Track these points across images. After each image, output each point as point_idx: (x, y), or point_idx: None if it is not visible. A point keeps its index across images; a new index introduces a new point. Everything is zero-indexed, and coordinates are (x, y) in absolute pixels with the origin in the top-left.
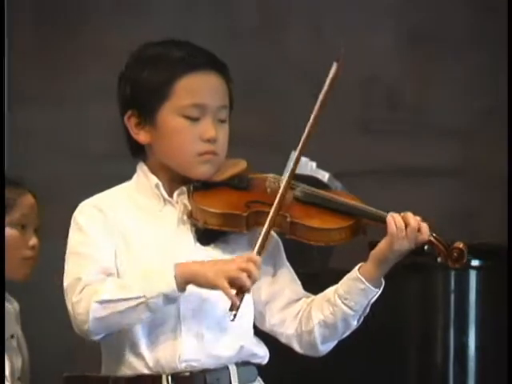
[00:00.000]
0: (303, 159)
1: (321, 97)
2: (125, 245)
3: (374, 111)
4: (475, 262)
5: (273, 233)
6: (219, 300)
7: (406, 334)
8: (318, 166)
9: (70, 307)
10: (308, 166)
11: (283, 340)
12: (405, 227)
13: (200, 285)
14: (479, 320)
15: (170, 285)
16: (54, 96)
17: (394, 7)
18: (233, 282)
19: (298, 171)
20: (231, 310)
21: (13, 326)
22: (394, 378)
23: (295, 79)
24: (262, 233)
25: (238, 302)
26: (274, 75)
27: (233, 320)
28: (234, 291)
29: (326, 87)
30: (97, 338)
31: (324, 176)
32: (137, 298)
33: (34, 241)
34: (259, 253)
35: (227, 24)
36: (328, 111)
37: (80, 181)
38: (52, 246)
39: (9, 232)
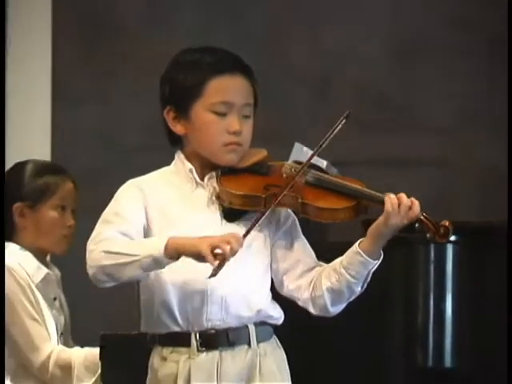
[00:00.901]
0: (304, 149)
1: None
2: (162, 218)
3: (366, 110)
4: (452, 238)
5: (289, 211)
6: (243, 270)
7: (393, 299)
8: (318, 155)
9: (87, 255)
10: (309, 154)
11: (300, 303)
12: (398, 205)
13: (188, 252)
14: (455, 287)
15: (159, 249)
16: (94, 96)
17: (385, 20)
18: (214, 250)
19: (301, 159)
20: (212, 273)
21: (55, 290)
22: (382, 335)
23: (297, 82)
24: (253, 221)
25: (216, 267)
26: (280, 79)
27: (209, 278)
28: (216, 262)
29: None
30: (102, 285)
31: (323, 163)
32: (133, 255)
33: (71, 221)
34: (245, 235)
35: (240, 35)
36: (326, 109)
37: (116, 169)
38: (91, 224)
39: (51, 213)
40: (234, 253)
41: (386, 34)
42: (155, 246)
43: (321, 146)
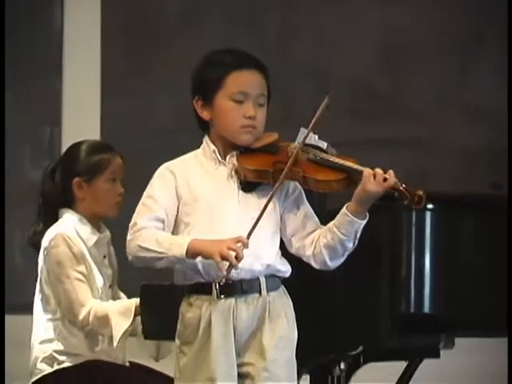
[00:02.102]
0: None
1: (318, 113)
2: (190, 192)
3: (358, 101)
4: (430, 206)
5: (296, 183)
6: (256, 232)
7: (381, 256)
8: (319, 138)
9: (127, 242)
10: (312, 137)
11: (305, 259)
12: (374, 176)
13: (204, 256)
14: (433, 247)
15: (181, 252)
16: (136, 89)
17: (376, 24)
18: (224, 258)
19: (306, 141)
20: (220, 279)
21: (105, 250)
22: (372, 287)
23: (301, 77)
24: (255, 220)
25: (225, 273)
26: (287, 75)
27: (220, 284)
28: (226, 264)
29: (320, 111)
30: (138, 265)
31: (324, 145)
32: (161, 253)
33: (121, 190)
34: (249, 235)
35: (255, 36)
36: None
37: (154, 149)
38: (136, 195)
39: (105, 185)
40: (239, 261)
41: (376, 38)
42: (179, 248)
43: (310, 127)
